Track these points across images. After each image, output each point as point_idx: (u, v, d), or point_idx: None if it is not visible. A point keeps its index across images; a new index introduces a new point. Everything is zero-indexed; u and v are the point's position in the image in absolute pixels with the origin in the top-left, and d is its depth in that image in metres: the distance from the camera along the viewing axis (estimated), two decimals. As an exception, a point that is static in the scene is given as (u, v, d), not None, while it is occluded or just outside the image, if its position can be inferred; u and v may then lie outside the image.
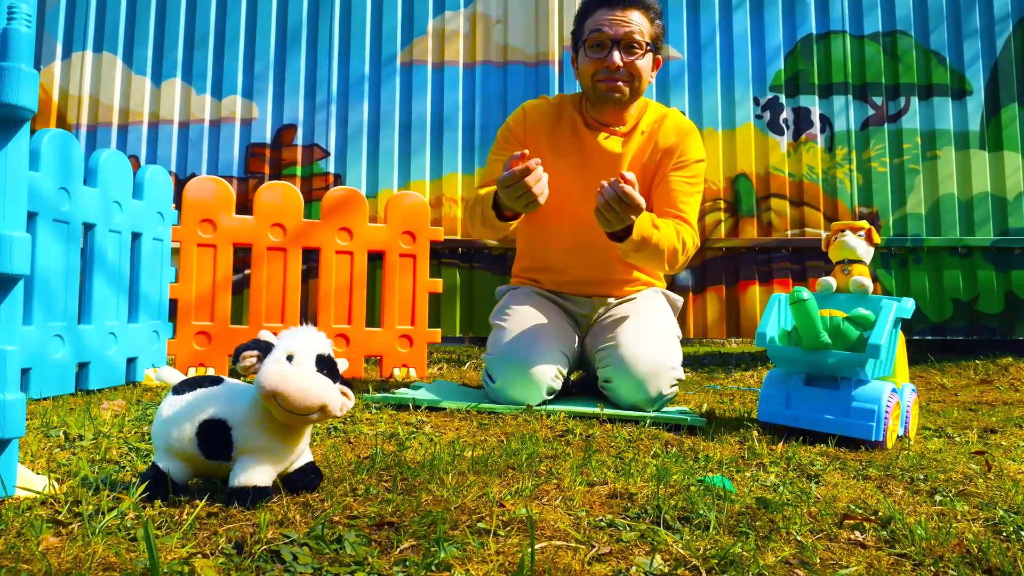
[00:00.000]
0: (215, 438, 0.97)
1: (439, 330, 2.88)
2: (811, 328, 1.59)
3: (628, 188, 1.71)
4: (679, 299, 2.27)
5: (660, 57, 2.11)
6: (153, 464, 1.00)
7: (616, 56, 1.99)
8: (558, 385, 1.96)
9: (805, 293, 1.58)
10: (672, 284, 3.69)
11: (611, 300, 2.18)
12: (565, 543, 0.87)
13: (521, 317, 2.03)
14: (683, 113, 3.82)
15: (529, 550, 0.78)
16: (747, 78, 3.88)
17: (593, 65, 2.02)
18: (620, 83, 2.02)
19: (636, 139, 2.11)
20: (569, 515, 0.99)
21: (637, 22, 2.00)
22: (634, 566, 0.80)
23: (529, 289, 2.20)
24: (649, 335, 1.96)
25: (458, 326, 3.74)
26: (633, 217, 1.78)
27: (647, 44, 2.02)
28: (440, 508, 0.98)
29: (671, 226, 1.97)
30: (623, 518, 0.98)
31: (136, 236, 2.41)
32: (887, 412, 1.56)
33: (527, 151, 1.75)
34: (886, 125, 3.85)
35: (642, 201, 1.74)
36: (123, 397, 2.05)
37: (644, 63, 2.03)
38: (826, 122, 3.87)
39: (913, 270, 3.76)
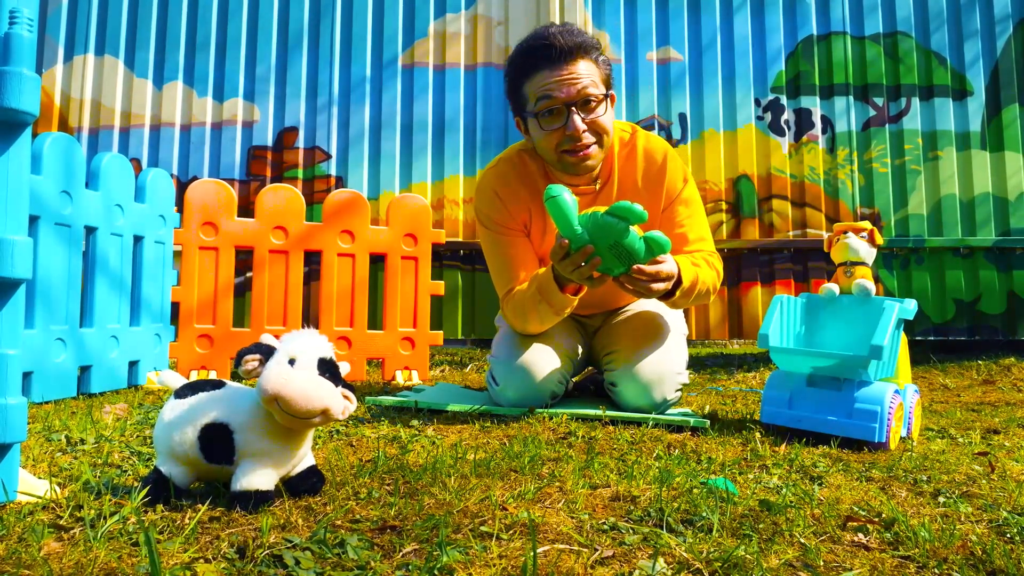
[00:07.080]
0: (217, 442, 0.97)
1: (441, 332, 2.89)
2: (566, 221, 1.55)
3: (651, 268, 1.61)
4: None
5: (613, 93, 1.87)
6: (155, 468, 1.00)
7: (577, 121, 1.77)
8: (562, 390, 1.96)
9: (558, 190, 1.54)
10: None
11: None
12: (568, 546, 0.87)
13: None
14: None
15: (532, 554, 0.78)
16: (748, 79, 3.88)
17: (554, 137, 1.80)
18: (589, 148, 1.82)
19: (615, 183, 1.95)
20: (572, 518, 0.98)
21: (586, 73, 1.78)
22: (637, 569, 0.80)
23: None
24: (656, 340, 1.95)
25: (460, 328, 3.74)
26: (674, 274, 1.69)
27: (603, 94, 1.81)
28: (442, 512, 0.97)
29: (700, 260, 1.88)
30: (626, 521, 0.98)
31: (138, 239, 2.42)
32: (890, 413, 1.56)
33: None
34: (887, 126, 3.85)
35: (671, 266, 1.67)
36: (125, 401, 2.05)
37: (607, 115, 1.82)
38: (827, 123, 3.87)
39: (915, 271, 3.76)
